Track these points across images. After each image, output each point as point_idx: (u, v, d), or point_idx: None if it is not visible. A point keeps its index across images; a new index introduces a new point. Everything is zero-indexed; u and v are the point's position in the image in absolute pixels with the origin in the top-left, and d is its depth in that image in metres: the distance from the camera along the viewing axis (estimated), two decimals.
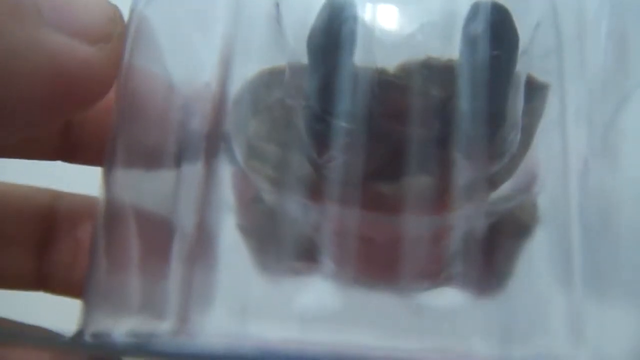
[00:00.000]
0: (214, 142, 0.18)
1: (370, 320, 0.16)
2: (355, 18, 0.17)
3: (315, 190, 0.17)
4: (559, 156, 0.17)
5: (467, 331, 0.16)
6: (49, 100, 0.18)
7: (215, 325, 0.16)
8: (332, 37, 0.17)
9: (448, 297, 0.16)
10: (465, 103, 0.16)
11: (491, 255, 0.17)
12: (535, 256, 0.18)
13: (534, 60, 0.18)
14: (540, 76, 0.18)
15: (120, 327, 0.17)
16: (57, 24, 0.17)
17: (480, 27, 0.16)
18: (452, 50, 0.17)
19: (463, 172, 0.17)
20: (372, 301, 0.17)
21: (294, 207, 0.18)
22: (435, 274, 0.18)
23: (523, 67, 0.17)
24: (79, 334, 0.18)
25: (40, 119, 0.18)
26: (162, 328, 0.16)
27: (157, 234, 0.18)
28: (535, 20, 0.18)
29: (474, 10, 0.17)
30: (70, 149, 0.23)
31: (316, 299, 0.16)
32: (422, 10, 0.18)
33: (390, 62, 0.17)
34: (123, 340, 0.16)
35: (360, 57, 0.17)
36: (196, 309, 0.16)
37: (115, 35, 0.18)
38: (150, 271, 0.18)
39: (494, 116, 0.17)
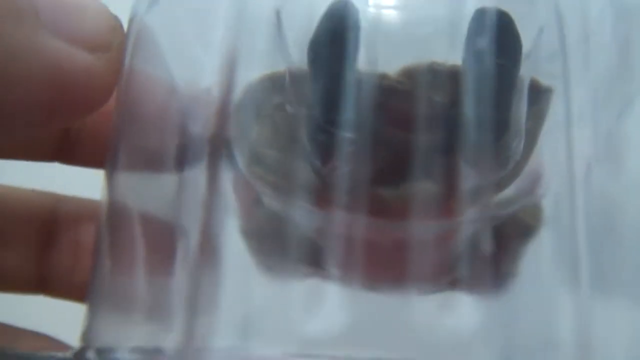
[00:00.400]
0: (217, 148, 0.18)
1: (376, 339, 0.16)
2: (358, 25, 0.16)
3: (318, 196, 0.17)
4: (564, 158, 0.17)
5: (473, 349, 0.16)
6: (46, 105, 0.18)
7: (221, 341, 0.16)
8: (335, 46, 0.16)
9: (455, 316, 0.16)
10: (468, 110, 0.16)
11: (495, 257, 0.17)
12: (541, 261, 0.18)
13: (539, 63, 0.17)
14: (545, 79, 0.18)
15: (125, 342, 0.17)
16: (56, 30, 0.17)
17: (483, 34, 0.16)
18: (455, 54, 0.17)
19: (467, 178, 0.17)
20: (378, 319, 0.17)
21: (297, 212, 0.17)
22: (439, 277, 0.18)
23: (527, 71, 0.17)
24: (82, 350, 0.17)
25: (37, 123, 0.18)
26: (167, 343, 0.16)
27: (161, 239, 0.18)
28: (539, 24, 0.17)
29: (478, 17, 0.16)
30: (68, 151, 0.23)
31: (323, 316, 0.16)
32: (425, 15, 0.17)
33: (392, 67, 0.17)
34: (127, 358, 0.16)
35: (363, 62, 0.17)
36: (202, 323, 0.16)
37: (115, 44, 0.18)
38: (155, 280, 0.18)
39: (498, 124, 0.16)
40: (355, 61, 0.16)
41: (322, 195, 0.17)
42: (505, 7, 0.17)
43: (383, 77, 0.17)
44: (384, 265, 0.17)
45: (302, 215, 0.17)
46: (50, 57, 0.17)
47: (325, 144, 0.16)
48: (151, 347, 0.17)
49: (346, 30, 0.16)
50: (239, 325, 0.17)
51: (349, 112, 0.16)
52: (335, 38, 0.16)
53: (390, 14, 0.17)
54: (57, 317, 0.26)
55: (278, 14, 0.17)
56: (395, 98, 0.17)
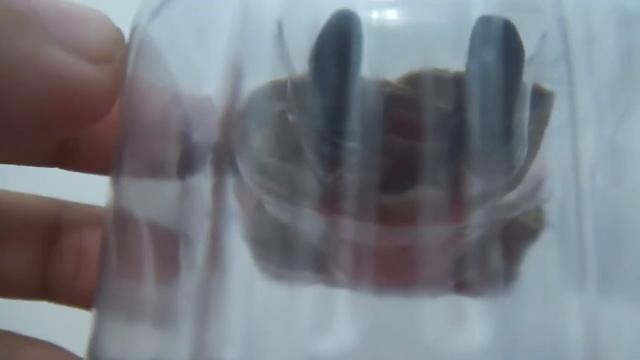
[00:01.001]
0: (221, 156, 0.18)
1: (386, 355, 0.16)
2: (360, 35, 0.16)
3: (322, 204, 0.17)
4: (569, 163, 0.17)
5: None
6: (49, 116, 0.18)
7: (230, 354, 0.16)
8: (338, 57, 0.16)
9: (465, 330, 0.16)
10: (472, 118, 0.16)
11: (498, 261, 0.17)
12: (549, 265, 0.18)
13: (543, 68, 0.17)
14: (548, 85, 0.18)
15: (133, 354, 0.17)
16: (60, 41, 0.17)
17: (488, 44, 0.16)
18: (459, 61, 0.17)
19: (471, 185, 0.17)
20: (388, 335, 0.17)
21: (301, 220, 0.17)
22: (445, 281, 0.18)
23: (530, 76, 0.17)
24: None
25: (39, 133, 0.18)
26: (176, 354, 0.16)
27: (168, 247, 0.18)
28: (543, 30, 0.17)
29: (482, 25, 0.16)
30: (67, 156, 0.23)
31: (332, 332, 0.16)
32: (428, 22, 0.17)
33: (395, 74, 0.17)
34: None
35: (366, 70, 0.16)
36: (211, 334, 0.16)
37: (118, 56, 0.18)
38: (163, 289, 0.18)
39: (502, 131, 0.16)
40: (358, 71, 0.16)
41: (326, 203, 0.17)
42: (509, 14, 0.16)
43: (386, 84, 0.17)
44: (391, 271, 0.17)
45: (305, 223, 0.17)
46: (53, 68, 0.17)
47: (329, 154, 0.16)
48: (160, 359, 0.17)
49: (349, 40, 0.16)
50: (247, 338, 0.17)
51: (353, 122, 0.16)
52: (338, 49, 0.16)
53: (393, 22, 0.17)
54: (61, 324, 0.26)
55: (280, 25, 0.17)
56: (400, 106, 0.17)
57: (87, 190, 0.24)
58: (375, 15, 0.17)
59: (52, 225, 0.23)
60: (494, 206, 0.18)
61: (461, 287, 0.17)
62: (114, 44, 0.18)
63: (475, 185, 0.17)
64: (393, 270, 0.17)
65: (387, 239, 0.17)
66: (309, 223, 0.17)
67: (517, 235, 0.18)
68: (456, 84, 0.16)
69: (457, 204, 0.17)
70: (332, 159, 0.16)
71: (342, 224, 0.17)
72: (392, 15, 0.17)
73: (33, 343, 0.21)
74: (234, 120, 0.18)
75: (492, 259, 0.17)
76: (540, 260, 0.18)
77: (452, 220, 0.17)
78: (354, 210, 0.17)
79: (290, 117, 0.18)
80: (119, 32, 0.18)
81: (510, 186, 0.18)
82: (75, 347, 0.21)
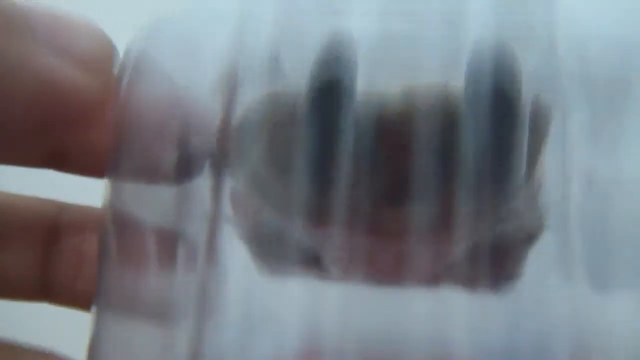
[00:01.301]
0: (220, 161, 0.17)
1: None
2: (355, 63, 0.16)
3: (314, 218, 0.17)
4: (566, 163, 0.17)
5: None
6: (38, 121, 0.18)
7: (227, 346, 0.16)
8: (333, 91, 0.16)
9: (456, 324, 0.16)
10: (468, 140, 0.16)
11: (498, 261, 0.17)
12: (538, 263, 0.18)
13: (539, 84, 0.17)
14: (544, 98, 0.18)
15: (132, 354, 0.17)
16: (51, 47, 0.17)
17: (483, 64, 0.16)
18: (453, 78, 0.16)
19: (467, 204, 0.17)
20: (382, 341, 0.17)
21: (295, 230, 0.18)
22: (438, 282, 0.18)
23: (527, 95, 0.17)
24: None
25: (28, 139, 0.18)
26: (175, 351, 0.16)
27: (166, 248, 0.18)
28: (538, 47, 0.17)
29: (478, 47, 0.16)
30: (61, 159, 0.23)
31: (323, 316, 0.16)
32: (421, 36, 0.17)
33: (389, 89, 0.17)
34: None
35: (359, 85, 0.16)
36: (209, 329, 0.16)
37: (109, 64, 0.18)
38: (161, 289, 0.18)
39: (498, 153, 0.16)
40: (353, 96, 0.16)
41: (318, 218, 0.17)
42: (503, 30, 0.16)
43: (380, 101, 0.17)
44: (385, 271, 0.17)
45: (300, 233, 0.17)
46: (44, 74, 0.17)
47: (322, 171, 0.16)
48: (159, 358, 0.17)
49: (342, 68, 0.16)
50: (245, 336, 0.17)
51: (346, 141, 0.16)
52: (331, 76, 0.16)
53: (387, 37, 0.17)
54: (61, 325, 0.26)
55: (276, 43, 0.17)
56: (393, 124, 0.17)
57: (87, 191, 0.24)
58: (368, 30, 0.17)
59: (52, 226, 0.23)
60: (493, 218, 0.18)
61: (456, 287, 0.17)
62: (105, 52, 0.18)
63: (472, 204, 0.17)
64: (390, 271, 0.17)
65: (384, 250, 0.17)
66: (303, 233, 0.17)
67: (516, 237, 0.18)
68: (451, 104, 0.16)
69: (450, 224, 0.17)
70: (324, 176, 0.16)
71: (333, 239, 0.17)
72: (386, 31, 0.17)
73: (32, 353, 0.21)
74: (229, 132, 0.18)
75: (489, 260, 0.17)
76: (535, 260, 0.18)
77: (445, 241, 0.17)
78: (346, 226, 0.17)
79: (284, 133, 0.18)
80: (109, 40, 0.18)
81: (506, 205, 0.18)
82: (75, 348, 0.21)
